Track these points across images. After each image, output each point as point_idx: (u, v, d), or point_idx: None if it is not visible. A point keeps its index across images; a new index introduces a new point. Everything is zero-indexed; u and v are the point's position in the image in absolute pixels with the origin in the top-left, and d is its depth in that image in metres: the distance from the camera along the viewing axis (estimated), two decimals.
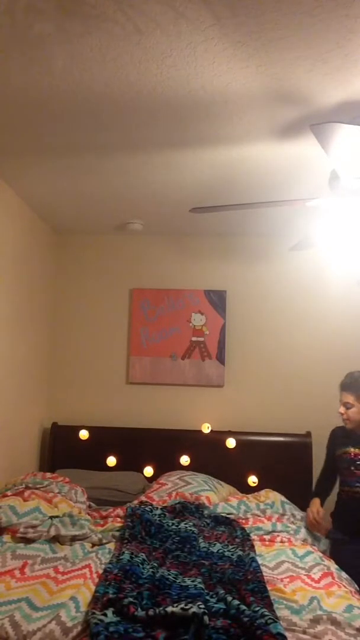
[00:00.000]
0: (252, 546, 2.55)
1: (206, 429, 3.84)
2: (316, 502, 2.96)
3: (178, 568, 2.20)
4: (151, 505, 3.03)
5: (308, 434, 3.80)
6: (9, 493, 2.82)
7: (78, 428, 3.87)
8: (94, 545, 2.53)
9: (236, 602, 1.84)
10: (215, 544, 2.56)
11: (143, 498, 3.25)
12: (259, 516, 3.08)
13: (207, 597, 1.90)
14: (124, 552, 2.26)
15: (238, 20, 1.72)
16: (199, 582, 2.01)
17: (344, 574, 2.42)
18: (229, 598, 1.88)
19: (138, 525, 2.66)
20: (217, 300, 4.07)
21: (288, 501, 3.33)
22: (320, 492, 3.02)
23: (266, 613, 1.74)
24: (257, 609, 1.77)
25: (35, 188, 3.28)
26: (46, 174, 3.06)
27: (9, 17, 1.74)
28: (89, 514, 2.96)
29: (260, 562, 2.35)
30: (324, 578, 2.24)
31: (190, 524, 2.73)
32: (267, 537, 2.78)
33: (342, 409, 2.81)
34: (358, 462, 2.76)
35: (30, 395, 3.74)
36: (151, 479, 3.67)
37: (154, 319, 4.09)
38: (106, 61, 1.95)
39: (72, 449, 3.83)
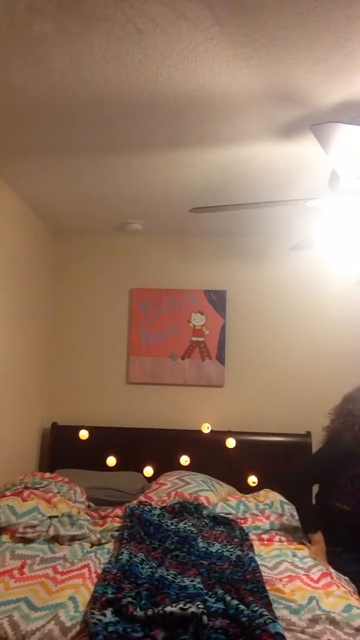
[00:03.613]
0: (251, 546, 2.55)
1: (206, 429, 3.84)
2: (322, 539, 2.63)
3: (177, 568, 2.20)
4: (150, 505, 3.04)
5: (308, 434, 3.80)
6: (8, 493, 2.82)
7: (78, 428, 3.87)
8: (93, 545, 2.53)
9: (235, 601, 1.84)
10: (214, 544, 2.55)
11: (142, 498, 3.25)
12: (257, 516, 3.07)
13: (206, 597, 1.90)
14: (123, 552, 2.26)
15: (238, 21, 1.72)
16: (198, 582, 2.01)
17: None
18: (228, 598, 1.88)
19: (137, 525, 2.66)
20: (217, 300, 4.07)
21: (287, 501, 3.32)
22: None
23: (265, 613, 1.74)
24: (256, 608, 1.77)
25: (35, 188, 3.28)
26: (46, 174, 3.06)
27: (9, 17, 1.74)
28: (88, 514, 2.96)
29: (259, 561, 2.35)
30: (322, 578, 2.24)
31: (189, 524, 2.73)
32: (265, 536, 2.77)
33: None
34: None
35: (30, 395, 3.74)
36: (151, 479, 3.67)
37: (154, 319, 4.09)
38: (106, 61, 1.95)
39: (72, 449, 3.82)
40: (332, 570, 2.37)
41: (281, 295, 4.07)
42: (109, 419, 3.99)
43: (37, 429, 3.89)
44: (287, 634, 1.69)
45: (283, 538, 2.75)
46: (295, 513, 3.18)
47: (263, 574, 2.21)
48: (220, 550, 2.47)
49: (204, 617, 1.68)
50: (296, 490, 2.77)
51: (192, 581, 2.02)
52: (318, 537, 2.62)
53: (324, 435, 2.84)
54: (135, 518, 2.73)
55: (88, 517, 2.82)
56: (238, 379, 4.03)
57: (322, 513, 2.74)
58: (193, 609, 1.69)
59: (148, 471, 3.76)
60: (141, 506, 2.97)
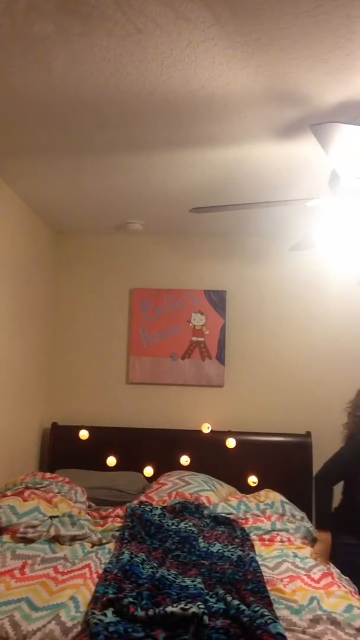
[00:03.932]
0: (252, 546, 2.55)
1: (206, 429, 3.84)
2: (329, 539, 2.63)
3: (178, 568, 2.20)
4: (151, 505, 3.04)
5: (308, 434, 3.80)
6: (8, 493, 2.82)
7: (78, 428, 3.88)
8: (93, 545, 2.53)
9: (236, 602, 1.84)
10: (215, 544, 2.55)
11: (143, 498, 3.25)
12: (258, 516, 3.08)
13: (207, 597, 1.90)
14: (123, 552, 2.26)
15: (238, 20, 1.72)
16: (199, 582, 2.01)
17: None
18: (229, 598, 1.88)
19: (138, 525, 2.66)
20: (217, 300, 4.07)
21: (288, 501, 3.33)
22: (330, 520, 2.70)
23: (266, 613, 1.74)
24: (256, 608, 1.77)
25: (36, 188, 3.28)
26: (46, 174, 3.06)
27: (9, 17, 1.74)
28: (88, 514, 2.96)
29: (260, 562, 2.35)
30: (323, 578, 2.24)
31: (190, 524, 2.73)
32: (266, 536, 2.77)
33: None
34: None
35: (30, 395, 3.74)
36: (151, 479, 3.67)
37: (154, 319, 4.09)
38: (106, 61, 1.95)
39: (72, 449, 3.82)
40: (333, 570, 2.37)
41: (281, 295, 4.07)
42: (109, 419, 3.99)
43: (37, 429, 3.89)
44: (288, 634, 1.69)
45: (284, 538, 2.74)
46: (296, 512, 3.18)
47: (264, 574, 2.21)
48: (221, 551, 2.47)
49: (205, 617, 1.68)
50: (321, 489, 2.77)
51: (192, 581, 2.02)
52: (325, 536, 2.62)
53: (344, 433, 2.84)
54: (136, 518, 2.73)
55: (89, 517, 2.83)
56: (238, 379, 4.03)
57: (347, 508, 2.74)
58: (194, 609, 1.69)
59: (148, 471, 3.76)
60: (142, 506, 2.97)
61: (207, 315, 4.06)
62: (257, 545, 2.64)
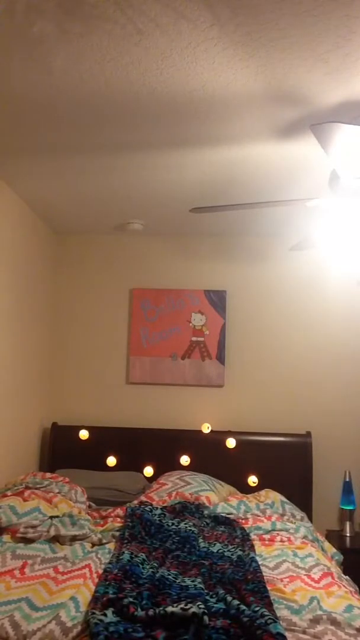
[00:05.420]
0: (252, 546, 2.55)
1: (206, 429, 3.84)
2: None
3: (178, 568, 2.20)
4: (151, 505, 3.04)
5: (308, 434, 3.80)
6: (8, 493, 2.82)
7: (78, 428, 3.88)
8: (93, 545, 2.53)
9: (236, 602, 1.84)
10: (215, 544, 2.55)
11: (143, 498, 3.25)
12: (258, 516, 3.08)
13: (207, 597, 1.90)
14: (123, 552, 2.26)
15: (238, 20, 1.72)
16: (199, 582, 2.01)
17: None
18: (229, 598, 1.87)
19: (138, 525, 2.66)
20: (217, 300, 4.07)
21: (288, 501, 3.33)
22: None
23: (266, 613, 1.74)
24: (257, 608, 1.77)
25: (35, 188, 3.28)
26: (46, 174, 3.06)
27: (9, 17, 1.74)
28: (88, 514, 2.96)
29: (260, 562, 2.35)
30: (324, 578, 2.23)
31: (190, 524, 2.73)
32: (266, 536, 2.77)
33: None
34: None
35: (30, 395, 3.74)
36: (151, 479, 3.67)
37: (154, 319, 4.09)
38: (106, 61, 1.96)
39: (72, 449, 3.83)
40: (333, 570, 2.37)
41: (281, 295, 4.07)
42: (109, 419, 4.00)
43: (37, 429, 3.89)
44: (288, 635, 1.69)
45: (284, 538, 2.74)
46: (296, 512, 3.18)
47: (264, 574, 2.21)
48: (221, 550, 2.47)
49: (205, 617, 1.68)
50: None
51: (193, 581, 2.02)
52: None
53: None
54: (136, 518, 2.73)
55: (89, 517, 2.82)
56: (238, 379, 4.03)
57: None
58: (194, 609, 1.69)
59: (148, 471, 3.76)
60: (142, 506, 2.97)
61: (207, 315, 4.07)
62: (257, 545, 2.64)
